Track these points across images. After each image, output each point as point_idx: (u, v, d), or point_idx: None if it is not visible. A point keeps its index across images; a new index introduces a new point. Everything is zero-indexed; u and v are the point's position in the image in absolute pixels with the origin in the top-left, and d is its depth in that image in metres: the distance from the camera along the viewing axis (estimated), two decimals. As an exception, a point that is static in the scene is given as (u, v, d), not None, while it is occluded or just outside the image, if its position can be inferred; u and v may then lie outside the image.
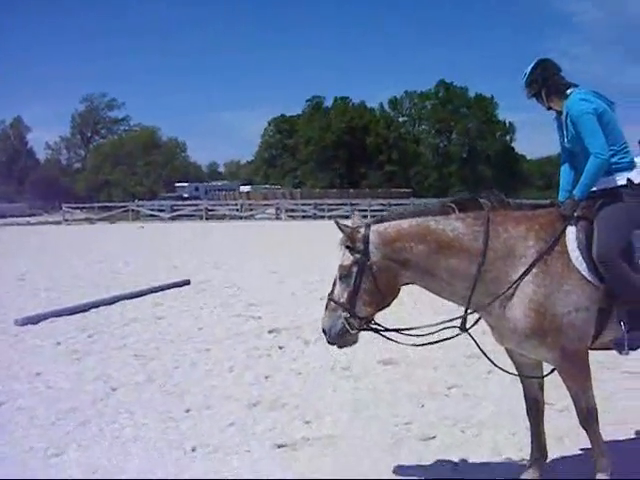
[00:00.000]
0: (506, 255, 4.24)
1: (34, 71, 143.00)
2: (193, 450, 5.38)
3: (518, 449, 5.22)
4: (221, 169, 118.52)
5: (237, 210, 50.18)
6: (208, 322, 10.20)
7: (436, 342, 4.52)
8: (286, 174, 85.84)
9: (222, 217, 48.01)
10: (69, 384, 7.23)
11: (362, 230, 4.38)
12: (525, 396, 4.71)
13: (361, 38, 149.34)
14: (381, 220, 4.49)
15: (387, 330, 4.58)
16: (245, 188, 71.08)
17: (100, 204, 56.23)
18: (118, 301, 12.01)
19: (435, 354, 7.83)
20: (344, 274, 4.38)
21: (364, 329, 4.47)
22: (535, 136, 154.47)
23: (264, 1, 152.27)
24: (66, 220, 48.70)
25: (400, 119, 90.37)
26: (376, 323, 4.55)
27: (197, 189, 68.23)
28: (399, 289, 4.46)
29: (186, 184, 69.30)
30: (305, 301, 11.78)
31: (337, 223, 4.41)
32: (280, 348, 8.63)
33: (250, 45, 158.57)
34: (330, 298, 4.45)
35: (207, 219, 46.77)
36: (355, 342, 4.52)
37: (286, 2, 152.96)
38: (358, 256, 4.32)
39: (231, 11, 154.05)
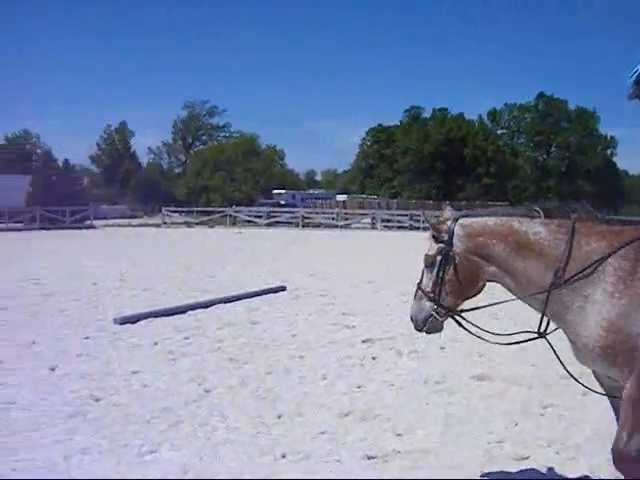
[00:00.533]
0: (585, 268, 4.06)
1: (139, 78, 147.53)
2: (283, 456, 5.39)
3: (614, 477, 5.01)
4: (318, 177, 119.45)
5: (333, 219, 50.31)
6: (302, 329, 10.24)
7: (515, 343, 4.55)
8: (382, 184, 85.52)
9: (318, 225, 48.23)
10: (164, 384, 7.37)
11: (448, 222, 4.47)
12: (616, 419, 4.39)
13: (460, 49, 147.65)
14: (468, 215, 4.53)
15: (469, 323, 4.60)
16: (341, 197, 71.24)
17: (199, 208, 57.31)
18: (214, 305, 12.20)
19: (528, 371, 7.63)
20: (429, 263, 4.51)
21: (449, 316, 4.56)
22: (637, 151, 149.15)
23: (364, 12, 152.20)
24: (165, 223, 49.99)
25: (499, 131, 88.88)
26: (462, 317, 4.60)
27: (294, 197, 68.82)
28: (482, 285, 4.48)
29: (283, 191, 69.98)
30: (399, 312, 11.65)
31: (423, 214, 4.59)
32: (373, 359, 8.58)
33: (349, 55, 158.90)
34: (418, 287, 4.59)
35: (303, 227, 47.07)
36: (440, 330, 4.62)
37: (385, 13, 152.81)
38: (442, 246, 4.42)
39: (331, 19, 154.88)
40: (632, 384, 3.89)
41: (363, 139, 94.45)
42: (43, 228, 42.18)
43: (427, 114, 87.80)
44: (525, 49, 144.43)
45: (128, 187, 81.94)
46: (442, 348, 8.95)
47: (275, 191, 70.78)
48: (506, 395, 7.08)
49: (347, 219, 50.91)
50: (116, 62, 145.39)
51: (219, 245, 28.85)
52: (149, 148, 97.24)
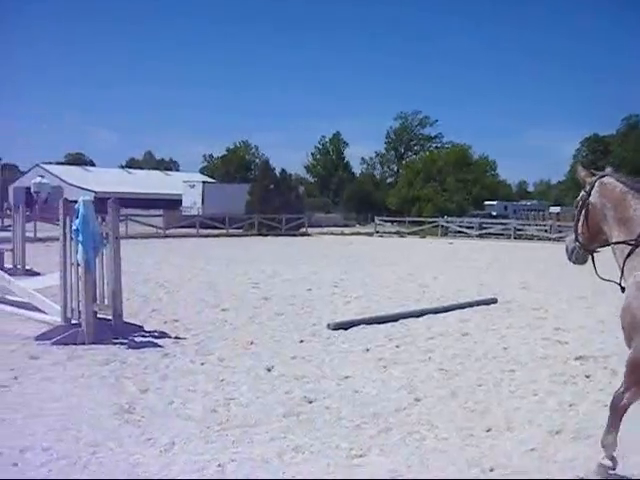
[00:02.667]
0: None
1: (352, 90, 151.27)
2: (491, 470, 5.27)
3: None
4: (530, 189, 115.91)
5: (546, 231, 48.65)
6: (513, 343, 10.00)
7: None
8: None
9: (531, 237, 46.79)
10: (375, 390, 7.49)
11: (594, 177, 5.42)
12: None
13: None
14: (611, 176, 5.37)
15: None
16: (555, 209, 68.68)
17: (411, 218, 57.62)
18: (425, 314, 12.22)
19: None
20: (576, 207, 5.60)
21: (588, 252, 5.55)
22: None
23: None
24: (377, 232, 50.70)
25: None
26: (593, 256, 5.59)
27: (506, 208, 67.28)
28: (604, 238, 5.34)
29: (495, 202, 68.64)
30: (614, 329, 11.04)
31: (577, 164, 6.29)
32: (587, 377, 8.20)
33: (565, 62, 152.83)
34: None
35: (515, 238, 45.91)
36: (584, 262, 5.66)
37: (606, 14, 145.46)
38: (584, 194, 5.45)
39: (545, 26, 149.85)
40: (632, 352, 4.97)
41: (578, 150, 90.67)
42: (261, 234, 44.32)
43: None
44: None
45: (341, 196, 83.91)
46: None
47: (487, 202, 69.59)
48: None
49: (560, 232, 48.94)
50: (329, 76, 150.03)
51: (431, 255, 28.83)
52: (362, 158, 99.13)
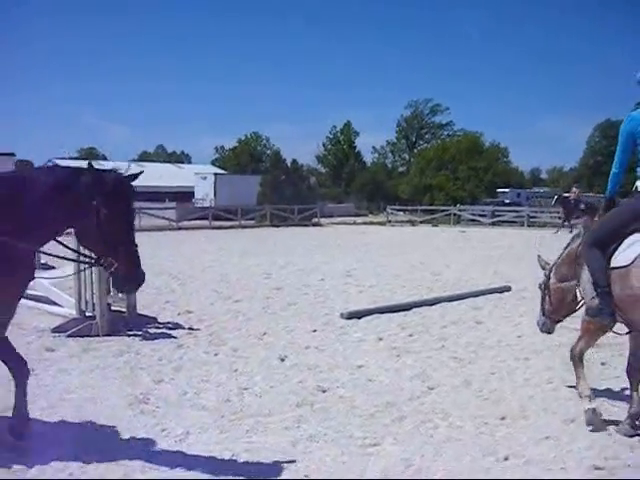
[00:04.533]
0: None
1: (362, 79, 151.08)
2: (506, 459, 5.26)
3: None
4: (543, 176, 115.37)
5: (559, 218, 48.38)
6: (527, 331, 9.95)
7: None
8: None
9: (543, 225, 46.54)
10: (388, 379, 7.50)
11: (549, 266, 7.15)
12: None
13: None
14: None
15: None
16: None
17: (422, 207, 57.44)
18: (438, 303, 12.21)
19: None
20: (539, 288, 7.27)
21: None
22: None
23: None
24: (389, 221, 50.57)
25: None
26: None
27: (519, 195, 66.98)
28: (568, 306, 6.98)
29: (507, 190, 68.35)
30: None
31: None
32: (602, 364, 8.17)
33: (572, 49, 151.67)
34: None
35: (529, 226, 45.69)
36: (552, 332, 7.36)
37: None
38: (545, 279, 7.11)
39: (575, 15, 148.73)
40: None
41: (590, 136, 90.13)
42: (273, 225, 44.33)
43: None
44: None
45: (353, 186, 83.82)
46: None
47: (499, 190, 69.32)
48: None
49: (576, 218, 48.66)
50: (339, 66, 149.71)
51: (443, 244, 28.75)
52: (373, 147, 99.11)
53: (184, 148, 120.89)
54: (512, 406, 6.55)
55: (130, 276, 5.13)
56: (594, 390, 6.29)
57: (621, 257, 5.54)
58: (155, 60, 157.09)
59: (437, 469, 5.09)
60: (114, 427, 5.87)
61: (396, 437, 5.75)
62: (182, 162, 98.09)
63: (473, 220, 49.55)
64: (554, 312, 6.98)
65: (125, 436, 5.68)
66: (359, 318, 10.76)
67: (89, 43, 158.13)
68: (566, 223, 36.66)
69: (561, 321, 7.13)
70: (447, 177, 75.13)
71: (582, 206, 34.88)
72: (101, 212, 4.86)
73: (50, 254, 5.43)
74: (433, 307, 11.90)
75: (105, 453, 5.14)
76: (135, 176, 5.15)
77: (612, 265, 5.58)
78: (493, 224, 47.35)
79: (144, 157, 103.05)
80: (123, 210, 5.03)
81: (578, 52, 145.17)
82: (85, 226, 4.98)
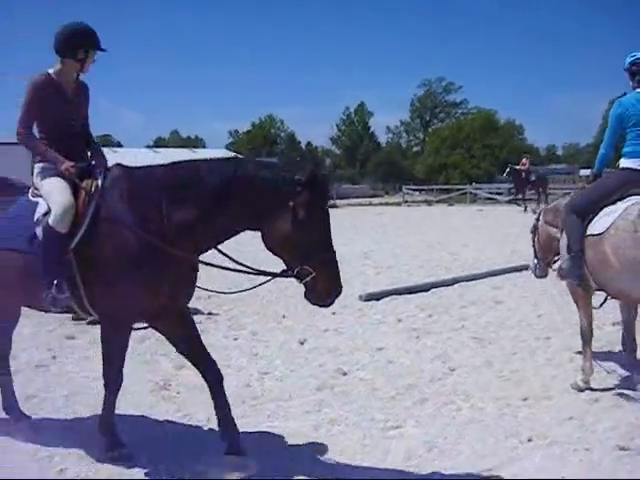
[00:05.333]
0: None
1: (374, 59, 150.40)
2: (529, 440, 5.23)
3: None
4: (559, 152, 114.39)
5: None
6: (548, 309, 9.90)
7: None
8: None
9: (560, 201, 46.11)
10: (409, 361, 7.48)
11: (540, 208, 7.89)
12: None
13: None
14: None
15: None
16: (585, 172, 67.67)
17: (438, 186, 57.08)
18: (457, 283, 12.17)
19: None
20: (530, 232, 8.01)
21: None
22: None
23: None
24: (406, 201, 50.35)
25: None
26: None
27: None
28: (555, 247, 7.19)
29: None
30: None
31: None
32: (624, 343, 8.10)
33: (587, 20, 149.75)
34: None
35: (545, 203, 45.33)
36: (545, 275, 7.88)
37: None
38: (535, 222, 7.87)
39: None
40: None
41: (606, 110, 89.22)
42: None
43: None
44: None
45: (368, 166, 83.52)
46: None
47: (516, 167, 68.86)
48: None
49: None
50: (351, 46, 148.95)
51: (459, 223, 28.61)
52: (387, 127, 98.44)
53: (198, 133, 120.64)
54: (534, 386, 6.52)
55: (330, 289, 4.63)
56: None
57: (597, 224, 5.96)
58: (168, 46, 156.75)
59: (460, 451, 5.08)
60: (136, 414, 5.89)
61: (418, 419, 5.74)
62: (197, 147, 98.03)
63: (490, 198, 49.21)
64: (543, 254, 7.57)
65: (147, 422, 5.70)
66: (378, 300, 10.74)
67: (102, 30, 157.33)
68: (519, 195, 36.84)
69: (551, 265, 7.50)
70: (462, 156, 74.66)
71: (533, 177, 35.07)
72: (299, 212, 4.45)
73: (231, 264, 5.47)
74: (452, 287, 11.87)
75: (127, 439, 5.15)
76: (332, 171, 4.69)
77: (588, 232, 6.01)
78: (510, 202, 46.98)
79: (159, 143, 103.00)
80: (323, 210, 4.65)
81: (594, 27, 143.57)
82: (278, 229, 4.57)
